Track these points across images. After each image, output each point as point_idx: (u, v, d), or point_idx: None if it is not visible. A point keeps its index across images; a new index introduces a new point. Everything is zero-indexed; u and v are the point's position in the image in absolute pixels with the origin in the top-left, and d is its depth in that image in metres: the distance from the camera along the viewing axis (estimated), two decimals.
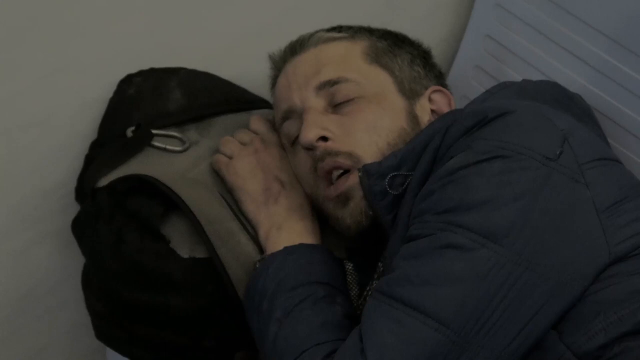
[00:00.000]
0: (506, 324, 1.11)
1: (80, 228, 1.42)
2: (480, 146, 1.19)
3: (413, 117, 1.41)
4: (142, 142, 1.48)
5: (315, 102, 1.40)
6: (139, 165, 1.45)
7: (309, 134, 1.36)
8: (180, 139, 1.51)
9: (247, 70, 1.64)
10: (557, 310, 1.13)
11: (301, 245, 1.34)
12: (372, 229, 1.35)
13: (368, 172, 1.30)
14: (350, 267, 1.39)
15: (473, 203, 1.14)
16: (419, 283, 1.12)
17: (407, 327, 1.10)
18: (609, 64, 1.54)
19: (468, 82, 1.83)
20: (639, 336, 1.10)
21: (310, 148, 1.37)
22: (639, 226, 1.18)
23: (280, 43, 1.51)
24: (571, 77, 1.60)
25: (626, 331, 1.10)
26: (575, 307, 1.13)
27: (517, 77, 1.64)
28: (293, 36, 1.50)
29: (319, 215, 1.43)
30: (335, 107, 1.40)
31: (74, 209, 1.47)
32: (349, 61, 1.43)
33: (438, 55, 1.58)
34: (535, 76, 1.61)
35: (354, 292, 1.38)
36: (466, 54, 1.84)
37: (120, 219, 1.36)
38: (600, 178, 1.19)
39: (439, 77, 1.52)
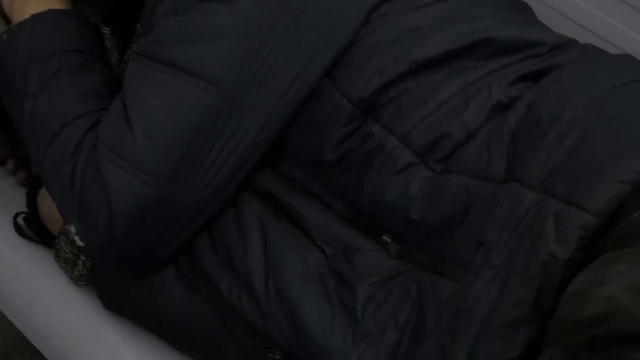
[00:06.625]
0: (277, 75, 1.07)
1: None
2: None
3: None
4: None
5: None
6: None
7: None
8: None
9: None
10: (329, 57, 1.09)
11: (50, 11, 1.23)
12: None
13: None
14: (107, 32, 1.32)
15: None
16: (181, 41, 1.07)
17: (173, 89, 1.06)
18: None
19: None
20: (414, 76, 1.07)
21: None
22: None
23: None
24: None
25: (401, 72, 1.07)
26: (348, 52, 1.10)
27: None
28: None
29: None
30: None
31: None
32: None
33: None
34: None
35: (115, 58, 1.32)
36: None
37: None
38: None
39: None
